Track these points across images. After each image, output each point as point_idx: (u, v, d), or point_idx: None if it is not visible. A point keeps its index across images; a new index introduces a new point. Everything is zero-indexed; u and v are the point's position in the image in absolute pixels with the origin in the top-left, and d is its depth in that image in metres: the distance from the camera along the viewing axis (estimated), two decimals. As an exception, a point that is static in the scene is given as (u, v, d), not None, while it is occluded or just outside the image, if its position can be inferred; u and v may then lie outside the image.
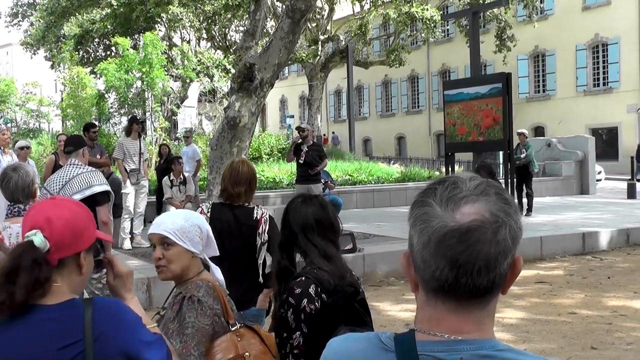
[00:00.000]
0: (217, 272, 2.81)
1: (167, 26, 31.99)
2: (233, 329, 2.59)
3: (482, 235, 1.19)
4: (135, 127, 11.52)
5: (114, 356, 1.78)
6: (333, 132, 48.58)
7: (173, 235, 2.65)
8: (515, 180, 15.10)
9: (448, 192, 1.23)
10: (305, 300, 2.75)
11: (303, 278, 2.82)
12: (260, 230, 4.29)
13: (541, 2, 36.37)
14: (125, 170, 11.21)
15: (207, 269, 2.80)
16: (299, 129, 12.12)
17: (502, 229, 1.20)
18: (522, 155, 15.56)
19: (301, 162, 11.65)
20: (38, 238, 1.82)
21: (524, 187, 15.82)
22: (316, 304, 2.76)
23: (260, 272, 4.30)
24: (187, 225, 2.67)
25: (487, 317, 1.26)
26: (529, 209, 15.63)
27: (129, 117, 13.10)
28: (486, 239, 1.19)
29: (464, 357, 1.20)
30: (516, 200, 13.68)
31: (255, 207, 4.42)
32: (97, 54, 34.05)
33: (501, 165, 20.46)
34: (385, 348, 1.28)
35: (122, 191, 11.04)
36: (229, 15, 31.25)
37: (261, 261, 4.29)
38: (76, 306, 1.82)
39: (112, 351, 1.78)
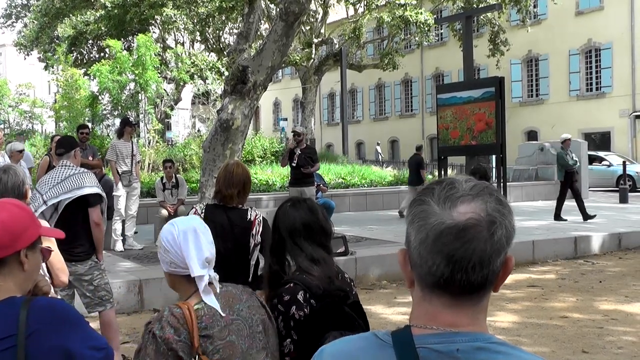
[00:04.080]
0: (207, 295, 2.50)
1: (161, 28, 31.98)
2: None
3: (478, 233, 1.24)
4: (128, 129, 11.50)
5: (50, 353, 1.86)
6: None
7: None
8: (568, 186, 14.99)
9: (445, 192, 1.28)
10: (294, 307, 2.74)
11: (292, 284, 2.81)
12: (253, 232, 4.29)
13: (535, 6, 36.44)
14: (117, 172, 11.19)
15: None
16: (295, 133, 12.11)
17: (497, 229, 1.25)
18: (576, 160, 15.50)
19: (294, 165, 11.67)
20: None
21: (569, 191, 15.26)
22: (305, 310, 2.75)
23: (251, 272, 4.30)
24: (158, 245, 2.53)
25: (480, 312, 1.31)
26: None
27: (121, 119, 13.06)
28: (481, 237, 1.24)
29: (460, 348, 1.24)
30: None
31: (249, 209, 4.42)
32: (91, 55, 34.01)
33: (494, 169, 20.50)
34: (383, 344, 1.31)
35: (114, 193, 11.01)
36: (223, 18, 31.25)
37: (253, 262, 4.29)
38: (14, 304, 1.91)
39: (46, 348, 1.85)
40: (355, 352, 1.34)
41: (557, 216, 15.00)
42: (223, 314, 2.46)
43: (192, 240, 2.47)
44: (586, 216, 14.74)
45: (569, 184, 15.13)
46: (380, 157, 42.98)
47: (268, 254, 3.08)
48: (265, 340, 2.60)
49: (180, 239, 2.47)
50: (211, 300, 2.47)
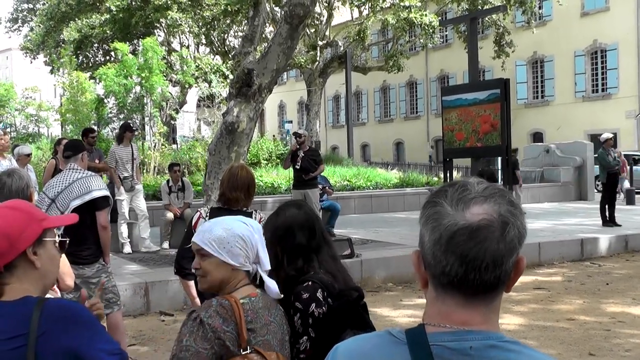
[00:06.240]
0: (271, 285, 2.63)
1: (166, 31, 32.05)
2: (243, 352, 2.41)
3: (491, 233, 1.27)
4: (128, 134, 11.45)
5: (59, 354, 1.85)
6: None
7: (208, 246, 2.52)
8: (608, 188, 14.61)
9: (458, 194, 1.31)
10: (313, 305, 2.76)
11: (310, 283, 2.83)
12: (258, 235, 4.28)
13: (540, 8, 36.40)
14: (119, 177, 11.19)
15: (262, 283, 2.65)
16: (295, 134, 12.14)
17: (510, 229, 1.28)
18: (618, 160, 15.08)
19: (297, 167, 11.68)
20: None
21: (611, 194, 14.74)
22: (323, 308, 2.78)
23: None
24: (226, 235, 2.53)
25: (493, 312, 1.34)
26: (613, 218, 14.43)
27: (122, 124, 13.00)
28: (494, 237, 1.27)
29: (473, 346, 1.26)
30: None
31: (254, 212, 4.41)
32: (97, 59, 34.12)
33: (500, 171, 20.47)
34: (397, 341, 1.33)
35: (116, 197, 11.00)
36: (228, 21, 31.30)
37: None
38: (29, 304, 1.90)
39: (56, 349, 1.85)
40: (369, 349, 1.36)
41: (611, 220, 14.25)
42: (274, 297, 2.58)
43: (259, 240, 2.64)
44: (611, 220, 14.25)
45: (611, 184, 14.75)
46: (431, 157, 43.02)
47: (286, 257, 3.03)
48: (289, 350, 2.65)
49: (254, 238, 2.60)
50: (275, 289, 2.60)
